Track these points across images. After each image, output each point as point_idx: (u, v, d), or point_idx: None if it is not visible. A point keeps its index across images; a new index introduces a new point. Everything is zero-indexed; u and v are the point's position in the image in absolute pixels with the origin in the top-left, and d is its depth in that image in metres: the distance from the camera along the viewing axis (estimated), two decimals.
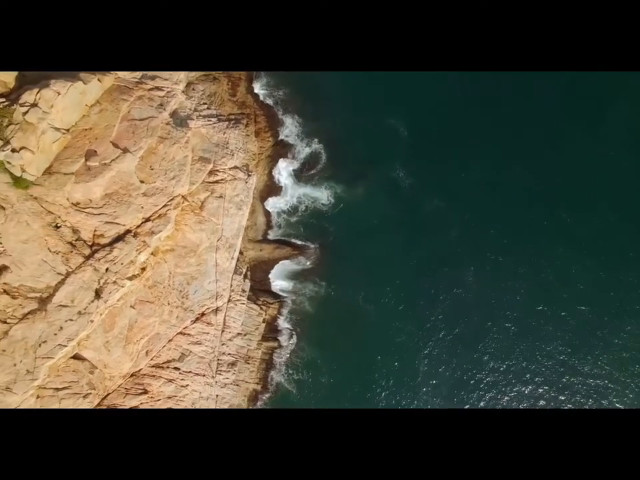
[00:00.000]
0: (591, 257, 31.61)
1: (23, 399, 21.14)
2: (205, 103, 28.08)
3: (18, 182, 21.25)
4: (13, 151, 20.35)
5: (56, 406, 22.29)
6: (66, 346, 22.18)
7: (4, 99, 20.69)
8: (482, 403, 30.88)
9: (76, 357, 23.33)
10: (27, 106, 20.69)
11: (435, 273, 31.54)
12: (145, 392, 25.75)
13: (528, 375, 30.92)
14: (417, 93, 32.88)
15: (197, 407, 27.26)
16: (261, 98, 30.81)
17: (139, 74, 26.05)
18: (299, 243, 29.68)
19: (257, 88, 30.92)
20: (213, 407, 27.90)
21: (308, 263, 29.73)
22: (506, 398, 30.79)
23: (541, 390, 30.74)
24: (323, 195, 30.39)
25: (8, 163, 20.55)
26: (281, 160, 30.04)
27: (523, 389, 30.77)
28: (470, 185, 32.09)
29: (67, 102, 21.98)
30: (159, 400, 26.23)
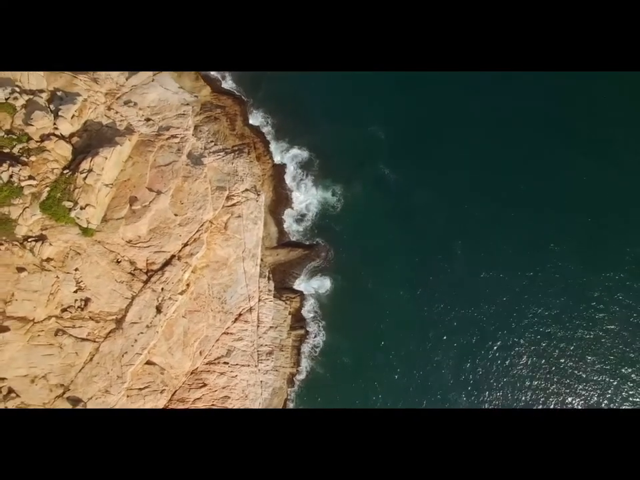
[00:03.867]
0: (577, 241, 38.59)
1: (118, 398, 29.16)
2: (212, 141, 36.16)
3: (85, 232, 29.21)
4: (81, 208, 28.29)
5: (141, 402, 30.34)
6: (141, 354, 30.17)
7: (67, 170, 28.64)
8: (476, 392, 37.01)
9: (148, 363, 31.32)
10: (85, 172, 28.65)
11: (427, 254, 38.93)
12: (204, 385, 33.73)
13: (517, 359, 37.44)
14: (391, 101, 41.02)
15: (247, 393, 35.18)
16: (256, 128, 38.89)
17: (156, 128, 34.10)
18: (308, 243, 37.68)
19: (252, 119, 39.03)
20: (260, 392, 35.83)
21: (318, 259, 37.72)
22: (504, 389, 37.05)
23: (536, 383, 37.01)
24: (323, 199, 38.46)
25: (78, 218, 28.50)
26: (282, 177, 38.10)
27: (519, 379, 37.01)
28: (448, 174, 39.69)
29: (111, 163, 29.97)
30: (215, 390, 34.19)
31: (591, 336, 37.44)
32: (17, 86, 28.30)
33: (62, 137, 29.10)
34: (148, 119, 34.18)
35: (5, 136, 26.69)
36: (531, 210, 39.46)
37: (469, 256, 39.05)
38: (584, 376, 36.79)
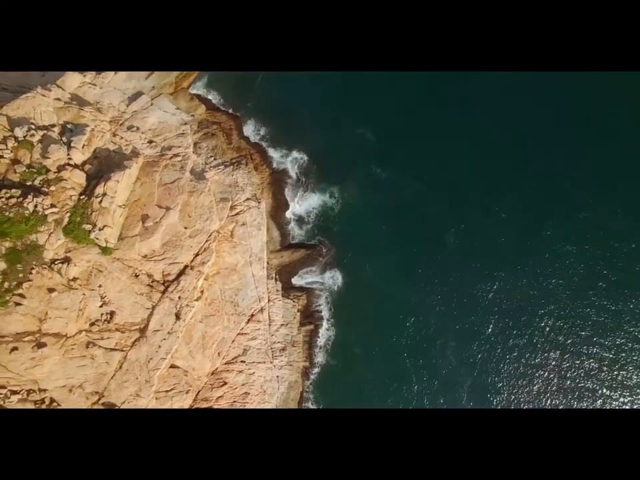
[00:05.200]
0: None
1: (148, 401, 32.18)
2: (211, 156, 39.29)
3: (105, 251, 32.23)
4: (99, 230, 31.34)
5: (169, 403, 33.35)
6: (165, 359, 33.16)
7: (83, 195, 31.69)
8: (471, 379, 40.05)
9: (172, 366, 34.32)
10: (100, 196, 31.69)
11: (423, 245, 42.15)
12: (225, 383, 36.75)
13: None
14: (375, 102, 44.28)
15: (265, 388, 38.19)
16: (251, 139, 42.06)
17: (159, 149, 37.15)
18: (310, 243, 40.84)
19: (246, 132, 42.17)
20: (277, 386, 38.82)
21: (320, 258, 40.82)
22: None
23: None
24: (320, 201, 41.62)
25: (97, 239, 31.53)
26: (279, 183, 41.22)
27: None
28: (434, 168, 43.06)
29: (123, 185, 33.02)
30: (236, 388, 37.21)
31: (590, 323, 40.44)
32: (32, 123, 31.34)
33: (76, 166, 32.12)
34: (151, 141, 37.23)
35: (27, 170, 29.72)
36: (519, 199, 42.73)
37: (462, 243, 42.35)
38: (587, 367, 39.72)
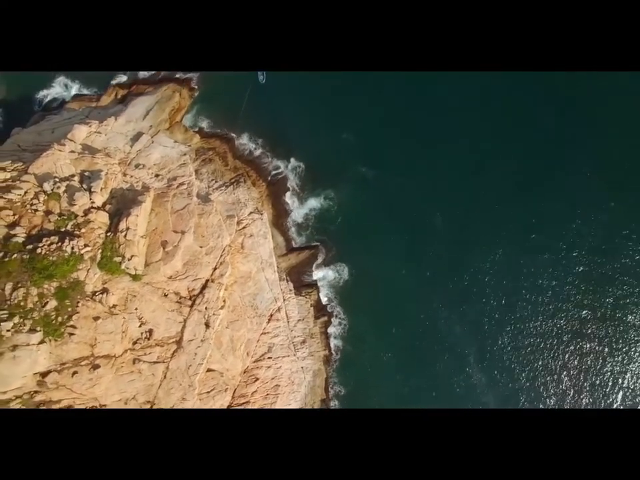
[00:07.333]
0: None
1: (193, 403, 36.90)
2: (212, 180, 44.03)
3: (135, 278, 36.92)
4: (128, 260, 36.03)
5: (212, 402, 38.06)
6: (202, 364, 37.89)
7: (109, 232, 36.39)
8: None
9: (209, 370, 39.06)
10: (124, 230, 36.35)
11: (414, 232, 47.14)
12: (257, 379, 41.52)
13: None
14: (355, 107, 48.96)
15: (293, 379, 42.91)
16: (244, 158, 46.77)
17: (165, 181, 41.85)
18: (313, 244, 45.61)
19: (239, 152, 46.89)
20: (303, 376, 43.52)
21: (324, 256, 45.57)
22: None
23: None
24: (317, 205, 46.38)
25: (127, 268, 36.23)
26: (276, 194, 45.96)
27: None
28: (415, 162, 48.03)
29: (141, 218, 37.73)
30: (267, 382, 41.98)
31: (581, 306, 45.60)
32: (56, 176, 36.04)
33: (99, 208, 36.78)
34: (157, 175, 41.95)
35: (59, 218, 34.38)
36: (500, 181, 47.84)
37: (449, 226, 47.27)
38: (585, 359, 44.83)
